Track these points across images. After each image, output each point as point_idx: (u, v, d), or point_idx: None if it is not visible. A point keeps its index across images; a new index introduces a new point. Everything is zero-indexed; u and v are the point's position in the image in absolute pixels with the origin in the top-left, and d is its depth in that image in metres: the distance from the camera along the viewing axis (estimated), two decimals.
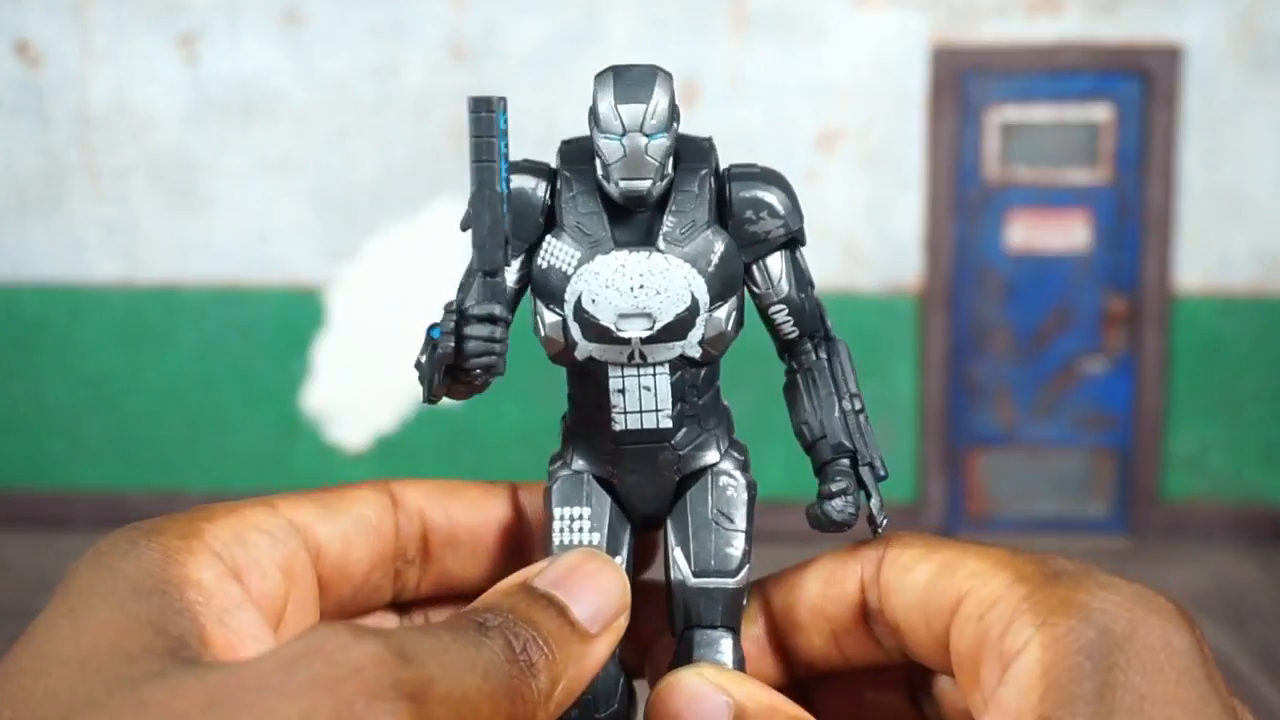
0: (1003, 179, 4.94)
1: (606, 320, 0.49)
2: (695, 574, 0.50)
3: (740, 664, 0.50)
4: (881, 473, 0.55)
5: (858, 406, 0.56)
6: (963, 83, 4.88)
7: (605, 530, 0.50)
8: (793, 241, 0.54)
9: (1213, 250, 4.91)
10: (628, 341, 0.49)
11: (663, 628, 0.51)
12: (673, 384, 0.51)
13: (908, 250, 4.96)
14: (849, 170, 4.93)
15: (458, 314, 0.46)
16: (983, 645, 0.42)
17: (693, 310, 0.50)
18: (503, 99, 0.46)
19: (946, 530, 5.06)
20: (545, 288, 0.50)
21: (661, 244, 0.50)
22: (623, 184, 0.49)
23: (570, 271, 0.50)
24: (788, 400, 0.55)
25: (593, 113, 0.50)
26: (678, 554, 0.51)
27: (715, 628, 0.50)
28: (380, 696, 0.33)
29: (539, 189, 0.51)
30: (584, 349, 0.50)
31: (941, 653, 0.45)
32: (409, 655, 0.35)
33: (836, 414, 0.55)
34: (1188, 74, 4.81)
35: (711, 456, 0.53)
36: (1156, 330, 4.94)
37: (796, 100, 4.88)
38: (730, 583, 0.50)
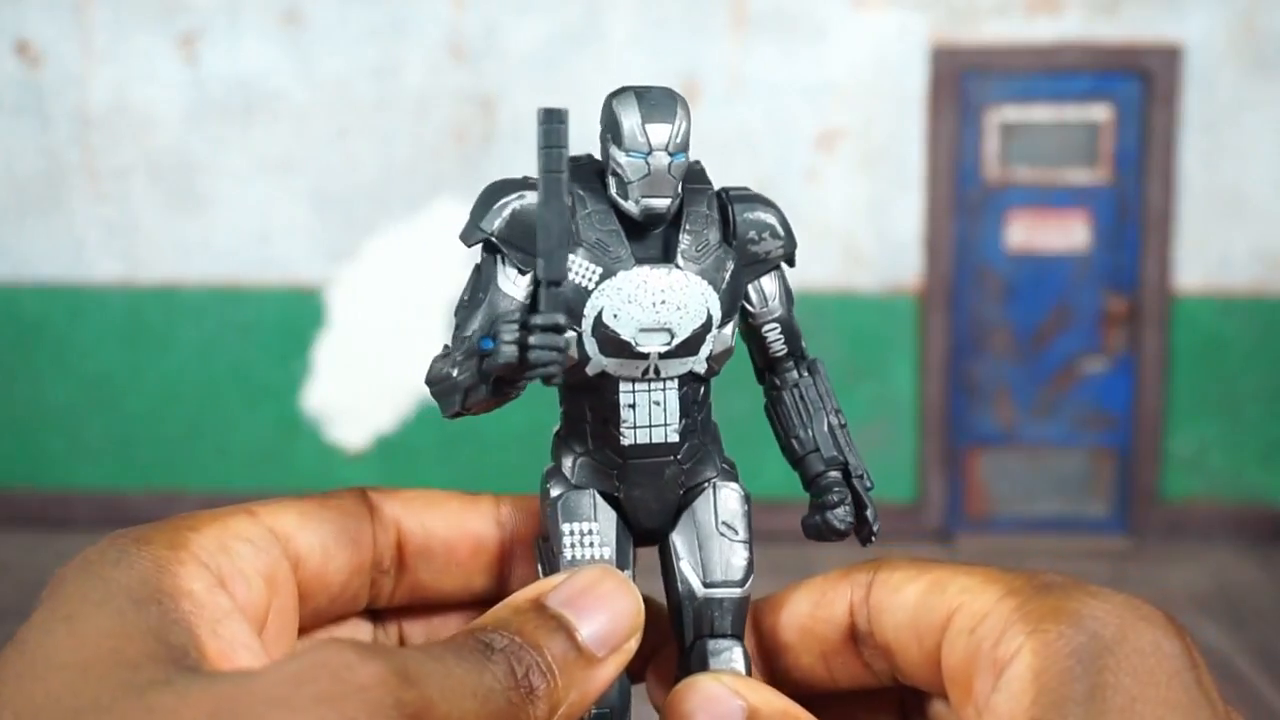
0: (1002, 179, 4.94)
1: (627, 335, 0.50)
2: (706, 585, 0.51)
3: (749, 670, 0.51)
4: (868, 484, 0.56)
5: (842, 421, 0.57)
6: (962, 83, 4.88)
7: (614, 545, 0.51)
8: (784, 262, 0.56)
9: (1212, 250, 4.91)
10: (645, 356, 0.50)
11: (661, 639, 0.52)
12: (680, 399, 0.52)
13: (907, 250, 4.97)
14: (849, 170, 4.93)
15: (519, 324, 0.46)
16: (975, 658, 0.42)
17: (707, 326, 0.51)
18: (567, 110, 0.46)
19: (946, 530, 5.07)
20: (565, 302, 0.50)
21: (680, 261, 0.51)
22: (644, 201, 0.50)
23: (591, 287, 0.50)
24: (774, 416, 0.57)
25: (612, 131, 0.51)
26: (685, 566, 0.52)
27: (726, 636, 0.51)
28: (382, 716, 0.34)
29: None
30: (598, 364, 0.51)
31: (933, 671, 0.46)
32: (411, 677, 0.36)
33: (825, 428, 0.56)
34: (1187, 74, 4.81)
35: (710, 470, 0.54)
36: (1156, 330, 4.94)
37: (796, 100, 4.88)
38: (738, 592, 0.52)
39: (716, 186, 0.55)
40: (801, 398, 0.56)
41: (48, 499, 5.19)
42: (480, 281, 0.51)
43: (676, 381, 0.51)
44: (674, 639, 0.52)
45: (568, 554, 0.50)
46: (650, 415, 0.51)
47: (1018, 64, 4.88)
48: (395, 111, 4.98)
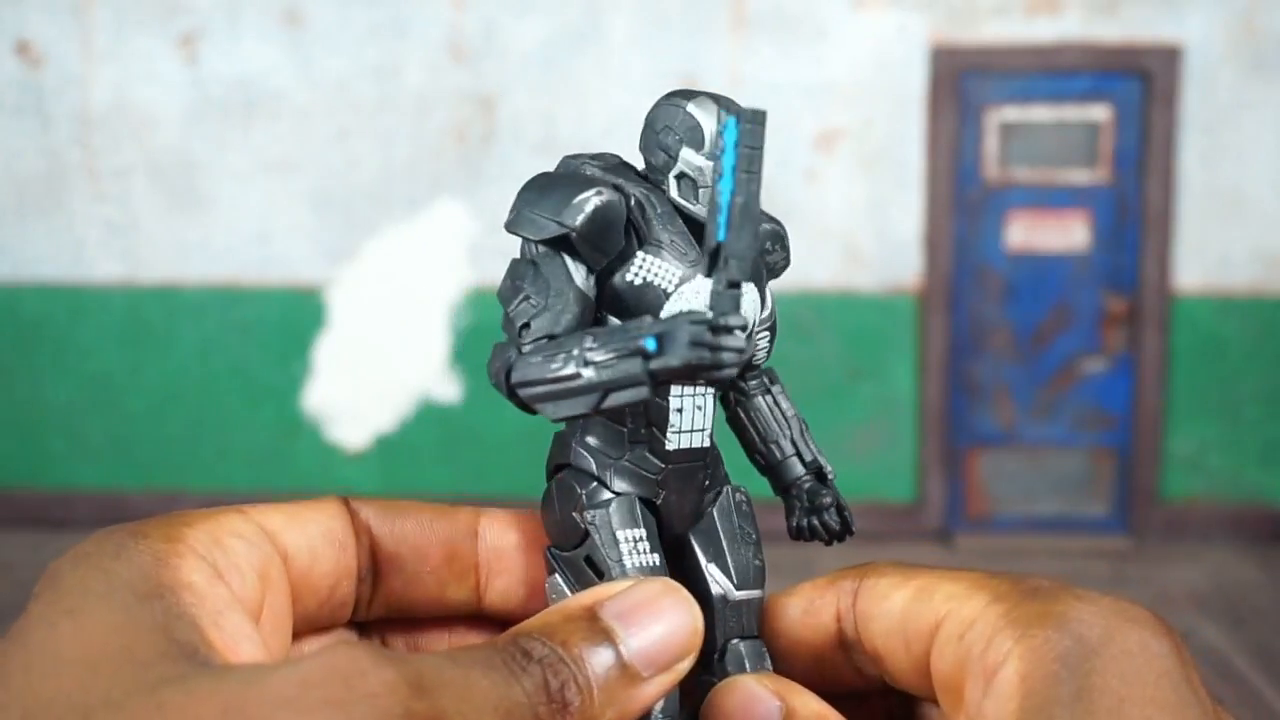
0: (1002, 179, 4.94)
1: None
2: (738, 587, 0.52)
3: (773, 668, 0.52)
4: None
5: (805, 425, 0.58)
6: (962, 83, 4.88)
7: (661, 551, 0.51)
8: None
9: (1212, 250, 4.91)
10: None
11: None
12: (715, 403, 0.53)
13: (907, 250, 4.97)
14: (849, 170, 4.93)
15: (707, 325, 0.44)
16: (965, 664, 0.42)
17: (750, 332, 0.52)
18: (766, 112, 0.46)
19: (946, 530, 5.07)
20: (635, 304, 0.50)
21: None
22: None
23: (671, 289, 0.50)
24: (746, 422, 0.57)
25: (688, 134, 0.51)
26: (714, 570, 0.52)
27: (754, 638, 0.52)
28: None
29: (622, 204, 0.51)
30: None
31: (923, 677, 0.46)
32: (425, 685, 0.35)
33: (800, 433, 0.57)
34: (1187, 74, 4.81)
35: (722, 473, 0.54)
36: (1156, 330, 4.94)
37: (796, 100, 4.88)
38: (760, 593, 0.52)
39: None
40: (775, 404, 0.57)
41: (48, 499, 5.19)
42: (543, 278, 0.50)
43: (714, 386, 0.52)
44: None
45: (627, 561, 0.49)
46: (693, 420, 0.52)
47: (1017, 64, 4.88)
48: (395, 111, 4.98)
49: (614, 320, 0.50)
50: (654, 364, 0.45)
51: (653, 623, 0.43)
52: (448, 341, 5.07)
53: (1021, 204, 4.94)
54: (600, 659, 0.41)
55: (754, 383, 0.57)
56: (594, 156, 0.54)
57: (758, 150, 0.45)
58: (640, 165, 0.54)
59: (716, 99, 0.52)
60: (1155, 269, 4.91)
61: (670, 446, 0.51)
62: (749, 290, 0.52)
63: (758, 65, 4.89)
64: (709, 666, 0.51)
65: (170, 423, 5.18)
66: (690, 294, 0.51)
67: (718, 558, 0.52)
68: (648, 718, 0.47)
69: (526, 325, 0.49)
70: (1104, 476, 5.11)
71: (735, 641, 0.51)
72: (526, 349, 0.48)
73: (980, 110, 4.90)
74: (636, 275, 0.51)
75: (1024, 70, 4.88)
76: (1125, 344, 5.00)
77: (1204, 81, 4.81)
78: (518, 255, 0.51)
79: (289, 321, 5.11)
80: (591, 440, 0.51)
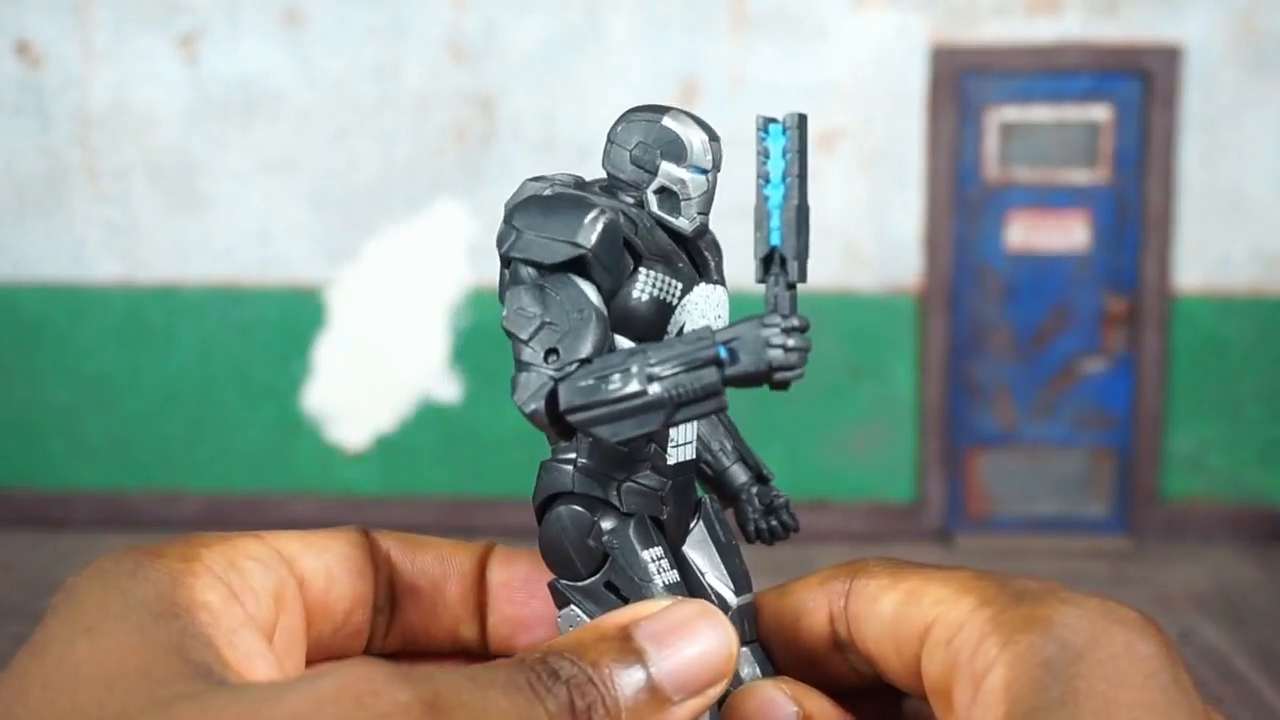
0: (1002, 179, 4.94)
1: None
2: (736, 594, 0.52)
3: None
4: None
5: (737, 427, 0.57)
6: (962, 83, 4.88)
7: (677, 568, 0.51)
8: None
9: (1212, 250, 4.91)
10: None
11: None
12: None
13: (907, 250, 4.97)
14: (849, 170, 4.93)
15: (779, 326, 0.45)
16: (953, 670, 0.42)
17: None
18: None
19: (946, 530, 5.07)
20: (643, 320, 0.50)
21: (715, 276, 0.53)
22: (699, 217, 0.51)
23: (674, 303, 0.50)
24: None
25: (669, 147, 0.51)
26: (714, 580, 0.52)
27: (755, 642, 0.52)
28: None
29: (621, 221, 0.50)
30: None
31: (916, 679, 0.46)
32: (441, 706, 0.35)
33: (738, 438, 0.57)
34: (1187, 74, 4.82)
35: (697, 483, 0.54)
36: (1156, 330, 4.94)
37: (796, 100, 4.88)
38: (752, 597, 0.53)
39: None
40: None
41: (48, 499, 5.19)
42: (559, 301, 0.49)
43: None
44: None
45: (657, 580, 0.49)
46: (687, 432, 0.52)
47: (1017, 64, 4.88)
48: (395, 111, 4.98)
49: (623, 340, 0.49)
50: (730, 371, 0.44)
51: (688, 645, 0.42)
52: (448, 341, 5.07)
53: (1021, 204, 4.94)
54: (630, 680, 0.40)
55: None
56: (576, 179, 0.53)
57: (803, 154, 0.45)
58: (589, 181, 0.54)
59: (686, 114, 0.52)
60: (1155, 269, 4.91)
61: (671, 460, 0.51)
62: (719, 291, 0.52)
63: (758, 65, 4.89)
64: None
65: (170, 423, 5.18)
66: (691, 307, 0.51)
67: (714, 568, 0.52)
68: None
69: (554, 351, 0.48)
70: (1104, 476, 5.11)
71: (742, 648, 0.51)
72: (569, 373, 0.47)
73: (980, 110, 4.91)
74: (644, 291, 0.50)
75: (1024, 70, 4.88)
76: (1125, 344, 5.00)
77: (1204, 81, 4.82)
78: (510, 281, 0.50)
79: (289, 321, 5.11)
80: (592, 464, 0.50)
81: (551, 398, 0.47)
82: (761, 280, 0.46)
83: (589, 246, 0.48)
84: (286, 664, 0.44)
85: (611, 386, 0.46)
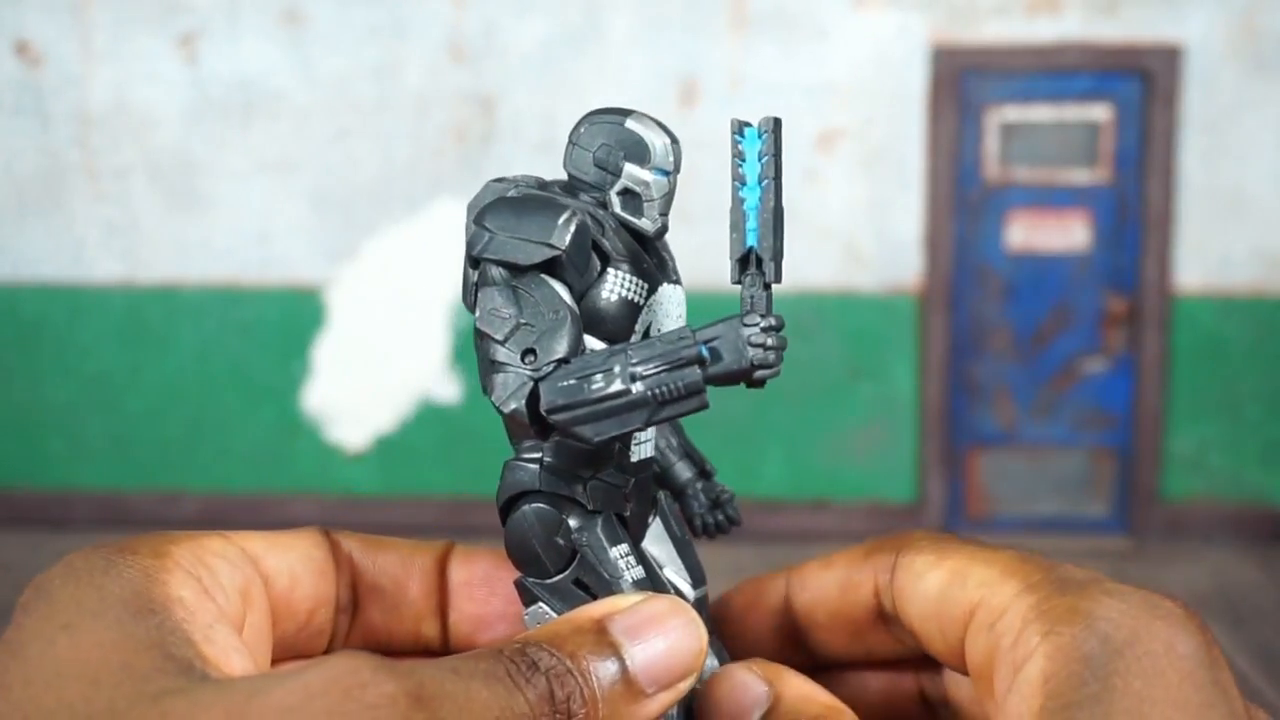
0: (1003, 179, 4.94)
1: None
2: (695, 587, 0.53)
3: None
4: None
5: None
6: (962, 83, 4.88)
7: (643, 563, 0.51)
8: None
9: (1212, 250, 4.91)
10: None
11: None
12: None
13: (908, 250, 4.97)
14: (849, 170, 4.93)
15: (759, 326, 0.46)
16: (994, 655, 0.43)
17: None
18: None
19: (947, 530, 5.07)
20: (612, 320, 0.50)
21: (675, 276, 0.53)
22: (661, 218, 0.52)
23: (641, 302, 0.51)
24: None
25: (631, 149, 0.52)
26: (672, 574, 0.53)
27: (714, 633, 0.52)
28: None
29: (589, 222, 0.51)
30: None
31: (959, 659, 0.46)
32: (425, 697, 0.36)
33: (683, 435, 0.58)
34: (1188, 74, 4.81)
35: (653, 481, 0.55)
36: (1156, 330, 4.94)
37: (796, 100, 4.88)
38: (707, 590, 0.53)
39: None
40: None
41: (48, 499, 5.19)
42: (534, 301, 0.49)
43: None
44: None
45: (626, 576, 0.49)
46: (648, 430, 0.52)
47: (1018, 64, 4.88)
48: (395, 111, 4.98)
49: (592, 340, 0.50)
50: (712, 369, 0.45)
51: (659, 639, 0.43)
52: (448, 341, 5.07)
53: (1022, 204, 4.94)
54: (606, 672, 0.41)
55: None
56: (542, 182, 0.54)
57: (778, 157, 0.46)
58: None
59: (646, 116, 0.53)
60: (1155, 269, 4.91)
61: (635, 458, 0.52)
62: (679, 290, 0.53)
63: (758, 65, 4.89)
64: None
65: (170, 423, 5.18)
66: (656, 306, 0.51)
67: (671, 561, 0.53)
68: None
69: (531, 351, 0.48)
70: (1104, 476, 5.11)
71: None
72: (548, 373, 0.47)
73: (980, 110, 4.90)
74: (613, 291, 0.51)
75: (1024, 70, 4.88)
76: (1125, 344, 5.00)
77: (1204, 81, 4.81)
78: (480, 283, 0.51)
79: (289, 321, 5.11)
80: (558, 462, 0.51)
81: (532, 397, 0.47)
82: (737, 281, 0.46)
83: (563, 247, 0.49)
84: (257, 661, 0.45)
85: (594, 386, 0.46)
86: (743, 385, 0.47)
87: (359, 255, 5.07)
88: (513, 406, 0.47)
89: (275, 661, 0.48)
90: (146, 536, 0.44)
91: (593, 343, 0.50)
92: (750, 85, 4.88)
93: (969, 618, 0.45)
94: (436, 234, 5.01)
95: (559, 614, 0.49)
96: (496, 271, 0.50)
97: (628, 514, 0.52)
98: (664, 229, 0.52)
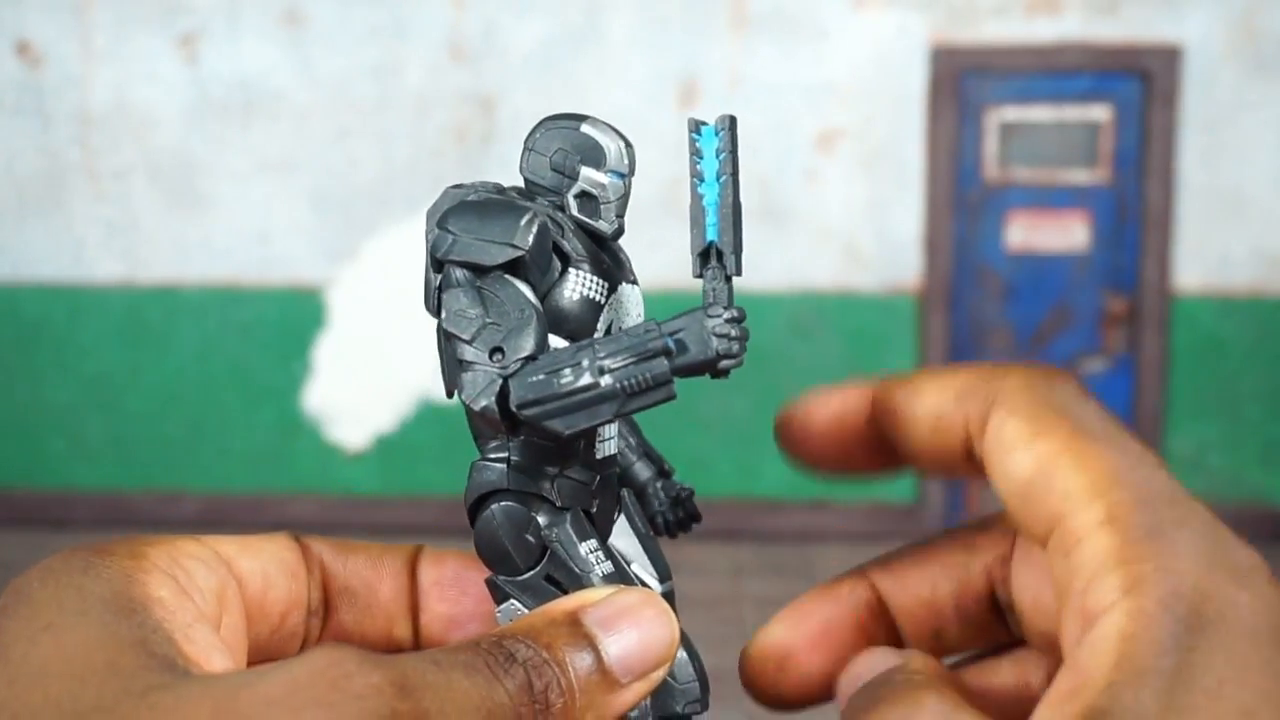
0: (1002, 179, 4.95)
1: None
2: (661, 581, 0.53)
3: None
4: None
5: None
6: (962, 83, 4.88)
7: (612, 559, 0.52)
8: None
9: (1212, 250, 4.92)
10: None
11: None
12: None
13: (907, 250, 4.97)
14: (849, 170, 4.93)
15: (722, 317, 0.47)
16: (1065, 589, 0.41)
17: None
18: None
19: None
20: (575, 319, 0.51)
21: (631, 276, 0.54)
22: (617, 220, 0.53)
23: (602, 301, 0.52)
24: None
25: (588, 153, 0.54)
26: (639, 570, 0.53)
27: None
28: None
29: (549, 224, 0.52)
30: None
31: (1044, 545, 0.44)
32: (409, 687, 0.36)
33: (640, 434, 0.58)
34: (1187, 74, 4.82)
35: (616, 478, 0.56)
36: (1156, 330, 4.95)
37: (796, 100, 4.88)
38: (672, 585, 0.54)
39: None
40: None
41: (48, 499, 5.19)
42: (499, 301, 0.50)
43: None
44: None
45: (596, 570, 0.50)
46: (612, 428, 0.53)
47: (1017, 64, 4.88)
48: (395, 111, 4.99)
49: (555, 338, 0.50)
50: (679, 360, 0.46)
51: (632, 630, 0.44)
52: None
53: (1021, 204, 4.95)
54: (582, 662, 0.42)
55: None
56: (475, 184, 0.55)
57: (734, 154, 0.48)
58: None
59: (604, 121, 0.54)
60: (1155, 269, 4.92)
61: (599, 455, 0.52)
62: (635, 291, 0.54)
63: (758, 65, 4.89)
64: None
65: (170, 423, 5.18)
66: (617, 305, 0.52)
67: (638, 557, 0.54)
68: None
69: (499, 349, 0.49)
70: None
71: None
72: (516, 370, 0.48)
73: (980, 110, 4.91)
74: (575, 291, 0.51)
75: (1024, 70, 4.88)
76: (1125, 344, 5.01)
77: (1204, 81, 4.82)
78: (444, 285, 0.52)
79: (289, 321, 5.11)
80: (525, 461, 0.51)
81: (501, 394, 0.48)
82: (699, 275, 0.48)
83: (526, 248, 0.50)
84: (235, 661, 0.45)
85: (564, 380, 0.47)
86: (708, 375, 0.48)
87: (359, 255, 5.07)
88: (483, 404, 0.48)
89: (250, 664, 0.49)
90: (122, 539, 0.45)
91: (556, 341, 0.50)
92: (750, 85, 4.88)
93: (1050, 530, 0.43)
94: None
95: (531, 610, 0.49)
96: (460, 273, 0.51)
97: (594, 510, 0.52)
98: (620, 230, 0.53)
